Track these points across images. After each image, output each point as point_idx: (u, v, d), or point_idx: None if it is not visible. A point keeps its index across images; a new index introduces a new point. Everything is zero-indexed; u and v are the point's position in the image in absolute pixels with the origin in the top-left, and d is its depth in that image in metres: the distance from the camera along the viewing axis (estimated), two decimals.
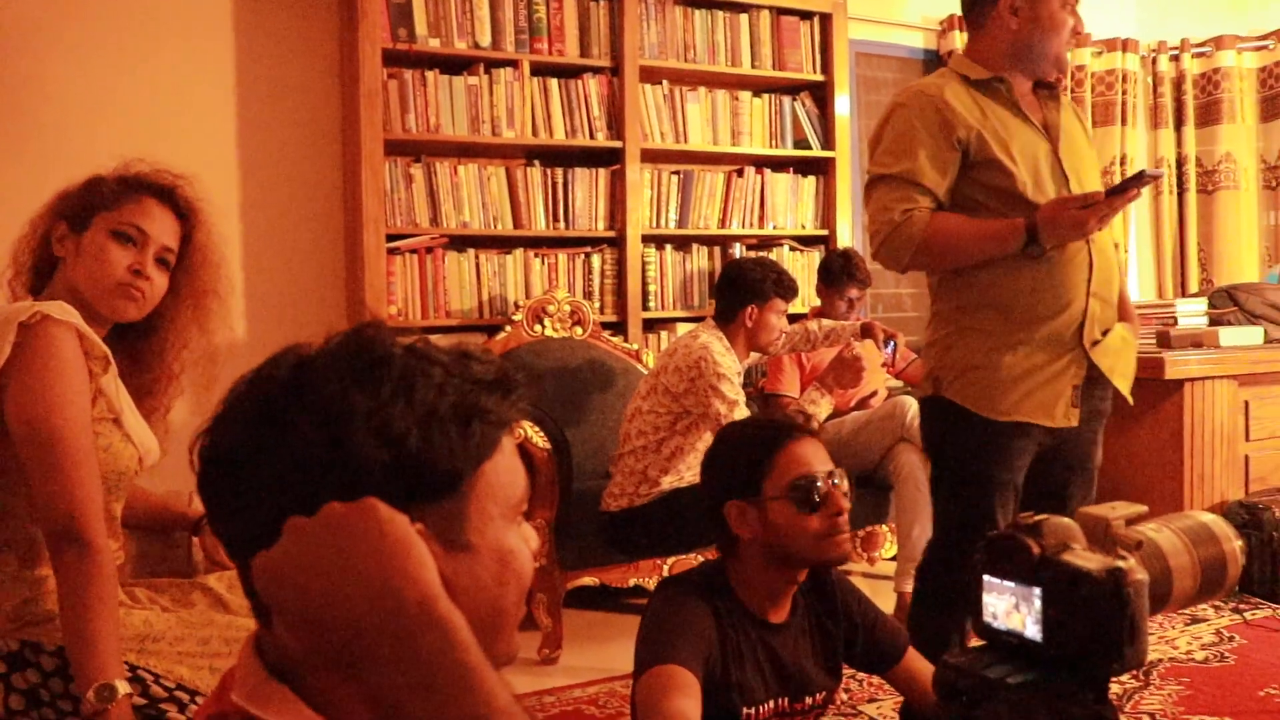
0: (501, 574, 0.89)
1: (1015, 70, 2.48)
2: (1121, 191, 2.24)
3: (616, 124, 4.32)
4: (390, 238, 3.97)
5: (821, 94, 4.77)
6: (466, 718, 0.75)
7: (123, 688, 1.58)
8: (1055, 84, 2.58)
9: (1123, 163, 5.70)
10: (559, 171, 4.28)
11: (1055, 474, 2.54)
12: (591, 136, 4.29)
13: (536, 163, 4.28)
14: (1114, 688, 3.01)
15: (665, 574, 3.78)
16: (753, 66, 4.62)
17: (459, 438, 0.85)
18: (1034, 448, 2.47)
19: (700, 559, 3.66)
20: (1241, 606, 3.84)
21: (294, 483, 0.81)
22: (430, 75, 4.02)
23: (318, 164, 4.13)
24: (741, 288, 3.56)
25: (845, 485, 1.95)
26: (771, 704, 1.91)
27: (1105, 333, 2.49)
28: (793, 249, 4.75)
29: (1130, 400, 2.61)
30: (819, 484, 1.89)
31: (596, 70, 4.30)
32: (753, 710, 1.88)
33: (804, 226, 4.78)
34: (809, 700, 1.97)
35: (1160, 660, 3.30)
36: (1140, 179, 2.25)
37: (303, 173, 4.10)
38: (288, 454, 0.81)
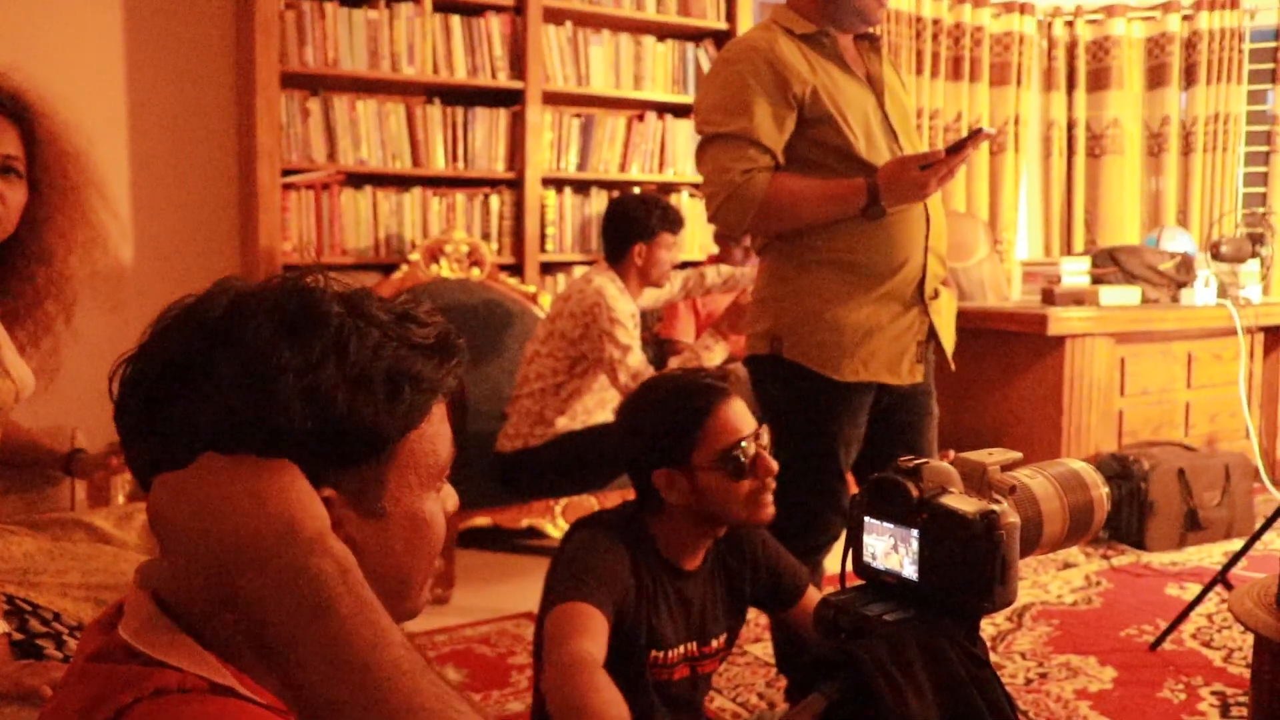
0: (412, 540, 0.89)
1: (828, 22, 2.39)
2: (959, 150, 2.21)
3: (518, 64, 4.27)
4: (285, 172, 3.89)
5: (724, 42, 4.76)
6: (364, 645, 0.74)
7: (0, 625, 1.55)
8: (876, 37, 2.51)
9: (1016, 123, 5.82)
10: (459, 111, 4.23)
11: (903, 428, 2.51)
12: (493, 76, 4.24)
13: (436, 101, 4.22)
14: (989, 629, 3.14)
15: (558, 515, 3.82)
16: (657, 11, 4.61)
17: (387, 404, 0.83)
18: (872, 400, 2.45)
19: (593, 501, 3.70)
20: (1109, 553, 4.01)
21: (212, 429, 0.80)
22: (329, 7, 3.92)
23: (211, 94, 4.01)
24: (627, 226, 3.57)
25: (766, 439, 1.93)
26: (681, 649, 1.94)
27: (936, 291, 2.48)
28: (692, 195, 4.77)
29: (952, 364, 2.59)
30: (747, 448, 1.88)
31: (499, 9, 4.24)
32: (662, 654, 1.90)
33: None
34: (714, 643, 2.00)
35: (1033, 604, 3.44)
36: (976, 137, 2.21)
37: (195, 103, 3.98)
38: (210, 399, 0.80)
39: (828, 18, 2.39)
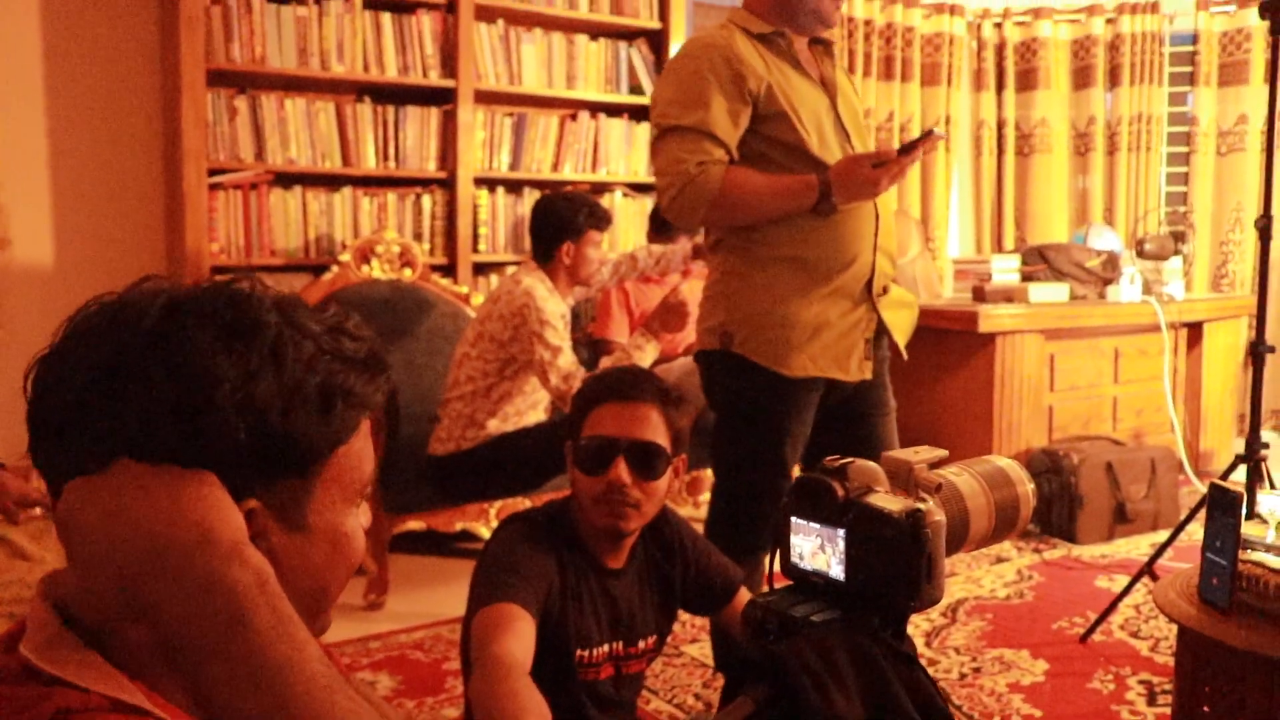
0: (332, 556, 0.88)
1: (784, 24, 2.44)
2: (911, 150, 2.27)
3: (450, 63, 4.24)
4: (212, 172, 3.82)
5: (658, 41, 4.78)
6: (280, 657, 0.72)
7: None
8: (829, 41, 2.56)
9: (947, 122, 5.89)
10: (390, 109, 4.19)
11: (859, 422, 2.54)
12: (424, 75, 4.20)
13: (367, 99, 4.17)
14: (924, 624, 3.17)
15: (492, 518, 3.78)
16: (590, 10, 4.59)
17: (319, 418, 0.82)
18: (820, 397, 2.48)
19: (527, 504, 3.68)
20: (1041, 546, 4.06)
21: (139, 436, 0.76)
22: (256, 2, 3.86)
23: (135, 92, 3.93)
24: (554, 225, 3.55)
25: (657, 463, 1.89)
26: (606, 648, 1.93)
27: (885, 288, 2.52)
28: (625, 195, 4.76)
29: (904, 355, 2.64)
30: (599, 450, 1.88)
31: (430, 6, 4.20)
32: (586, 653, 1.89)
33: (637, 173, 4.79)
34: (642, 644, 1.99)
35: (966, 599, 3.48)
36: (928, 138, 2.28)
37: (118, 100, 3.90)
38: (140, 406, 0.77)
39: (784, 19, 2.44)
